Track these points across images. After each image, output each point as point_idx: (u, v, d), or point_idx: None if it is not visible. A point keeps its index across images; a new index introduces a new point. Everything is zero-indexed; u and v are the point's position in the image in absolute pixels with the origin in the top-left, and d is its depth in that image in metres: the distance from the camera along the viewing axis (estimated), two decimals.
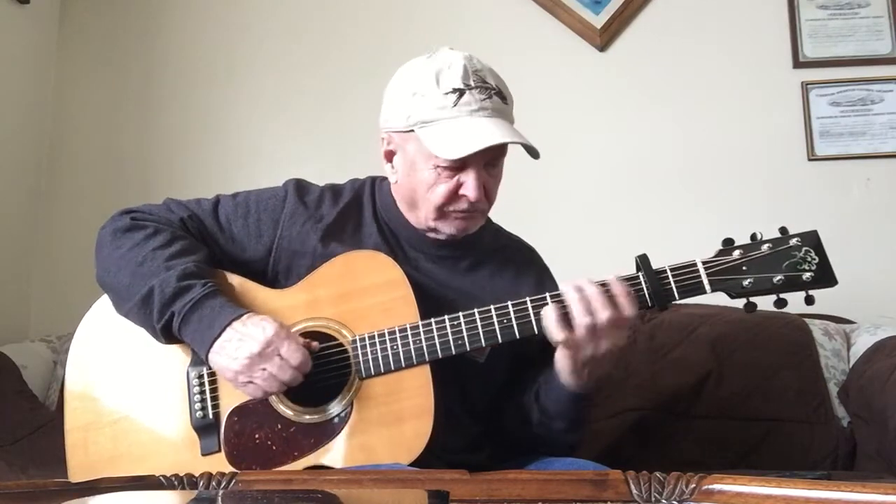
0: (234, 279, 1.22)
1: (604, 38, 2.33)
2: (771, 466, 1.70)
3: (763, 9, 2.31)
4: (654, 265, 1.12)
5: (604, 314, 1.07)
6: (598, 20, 2.33)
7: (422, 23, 2.38)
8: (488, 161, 1.18)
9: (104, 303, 1.24)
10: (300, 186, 1.30)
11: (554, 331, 1.08)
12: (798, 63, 2.28)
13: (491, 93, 1.17)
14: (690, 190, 2.26)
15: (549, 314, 1.09)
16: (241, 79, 2.43)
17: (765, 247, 1.11)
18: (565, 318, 1.08)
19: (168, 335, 1.15)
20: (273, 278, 1.24)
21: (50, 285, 2.34)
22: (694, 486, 0.78)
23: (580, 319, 1.07)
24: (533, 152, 1.18)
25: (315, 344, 1.15)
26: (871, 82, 2.26)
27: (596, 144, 2.31)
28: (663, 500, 0.78)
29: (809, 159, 2.24)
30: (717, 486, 0.77)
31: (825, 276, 1.09)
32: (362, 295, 1.18)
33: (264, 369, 1.09)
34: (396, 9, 2.41)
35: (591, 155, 2.31)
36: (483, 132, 1.14)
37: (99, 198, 2.35)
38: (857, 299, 2.06)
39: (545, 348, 1.18)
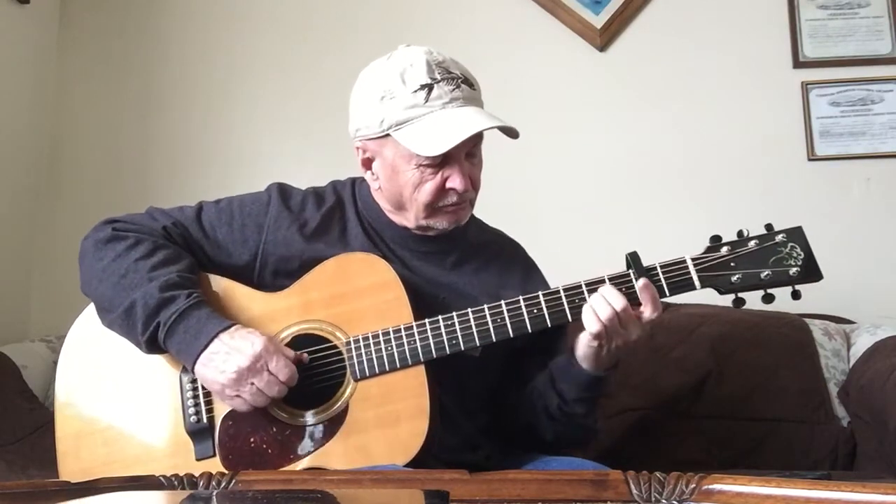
0: (225, 283, 1.22)
1: (604, 38, 2.33)
2: (771, 466, 1.70)
3: (763, 9, 2.31)
4: (648, 263, 1.13)
5: (620, 303, 1.09)
6: (598, 20, 2.33)
7: (421, 23, 2.38)
8: (469, 150, 1.19)
9: (94, 309, 1.23)
10: (283, 191, 1.29)
11: (590, 322, 1.10)
12: (798, 63, 2.28)
13: (458, 82, 1.17)
14: (690, 190, 2.26)
15: (589, 312, 1.11)
16: (240, 79, 2.42)
17: (751, 243, 1.13)
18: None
19: (153, 347, 1.14)
20: (260, 283, 1.24)
21: (50, 285, 2.34)
22: (694, 486, 0.77)
23: (603, 312, 1.09)
24: (512, 133, 1.18)
25: (305, 356, 1.15)
26: (871, 82, 2.26)
27: (596, 144, 2.31)
28: (663, 500, 0.77)
29: (809, 159, 2.24)
30: (717, 486, 0.76)
31: (811, 271, 1.11)
32: (356, 297, 1.18)
33: (252, 384, 1.09)
34: (396, 10, 2.41)
35: (591, 155, 2.31)
36: (461, 123, 1.14)
37: (99, 198, 2.35)
38: (857, 299, 2.06)
39: (539, 340, 1.20)
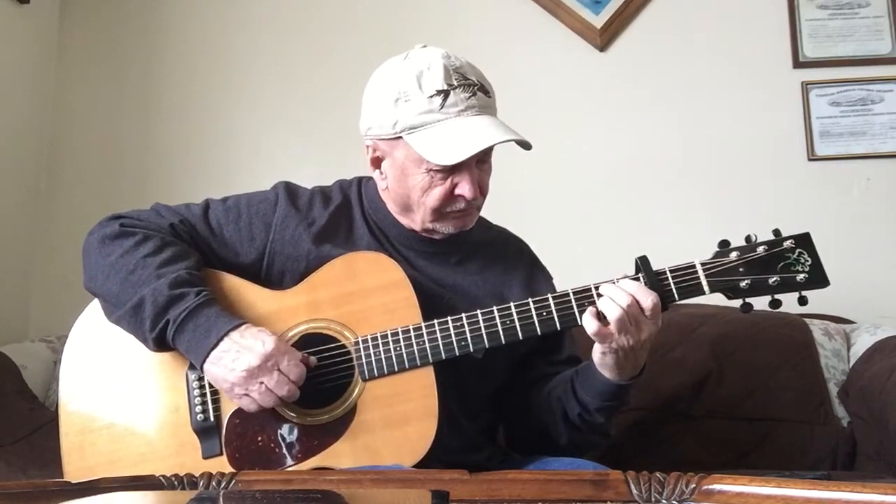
0: (232, 280, 1.22)
1: (604, 38, 2.33)
2: (771, 466, 1.69)
3: (763, 9, 2.31)
4: (654, 266, 1.13)
5: (625, 301, 1.08)
6: (598, 20, 2.33)
7: (421, 23, 2.38)
8: (480, 157, 1.18)
9: (98, 305, 1.22)
10: (290, 190, 1.29)
11: (589, 324, 1.09)
12: (798, 63, 2.28)
13: (474, 89, 1.16)
14: (691, 190, 2.26)
15: (587, 315, 1.10)
16: (240, 78, 2.43)
17: (760, 248, 1.12)
18: (600, 315, 1.09)
19: (161, 345, 1.13)
20: (266, 281, 1.23)
21: (50, 285, 2.34)
22: (694, 486, 0.78)
23: (611, 312, 1.08)
24: (525, 145, 1.17)
25: (313, 359, 1.14)
26: (871, 82, 2.26)
27: (596, 144, 2.31)
28: (663, 500, 0.78)
29: (809, 159, 2.24)
30: (717, 486, 0.76)
31: (818, 277, 1.11)
32: (364, 296, 1.18)
33: (262, 383, 1.09)
34: (396, 9, 2.41)
35: (591, 155, 2.31)
36: (476, 132, 1.13)
37: (99, 198, 2.35)
38: (857, 299, 2.06)
39: (544, 342, 1.19)
